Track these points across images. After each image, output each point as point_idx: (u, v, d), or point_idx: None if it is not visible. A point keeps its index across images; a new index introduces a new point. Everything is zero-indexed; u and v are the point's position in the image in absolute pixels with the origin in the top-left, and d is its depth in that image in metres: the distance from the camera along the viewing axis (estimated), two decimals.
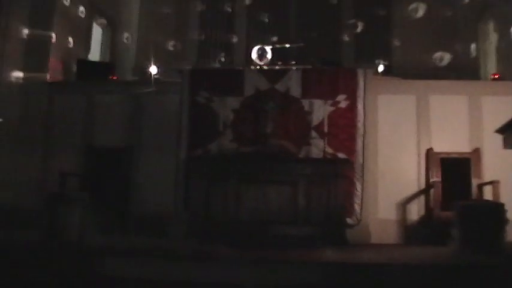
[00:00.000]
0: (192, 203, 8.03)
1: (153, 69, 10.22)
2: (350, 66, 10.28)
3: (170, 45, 12.13)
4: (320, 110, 8.52)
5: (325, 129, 8.42)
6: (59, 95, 9.40)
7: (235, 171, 7.92)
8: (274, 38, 11.24)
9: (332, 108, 8.52)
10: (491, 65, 10.58)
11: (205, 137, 8.59)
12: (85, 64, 10.08)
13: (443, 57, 10.95)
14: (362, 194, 8.30)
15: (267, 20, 12.29)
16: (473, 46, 11.10)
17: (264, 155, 8.16)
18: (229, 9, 12.62)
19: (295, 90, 8.62)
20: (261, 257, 6.15)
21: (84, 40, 10.84)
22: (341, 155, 8.37)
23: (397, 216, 8.47)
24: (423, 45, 11.11)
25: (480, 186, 8.20)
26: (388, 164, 8.52)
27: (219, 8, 12.57)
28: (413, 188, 8.53)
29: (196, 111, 8.71)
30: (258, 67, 9.16)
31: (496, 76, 9.41)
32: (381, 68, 10.60)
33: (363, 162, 8.38)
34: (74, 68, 9.93)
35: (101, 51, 11.83)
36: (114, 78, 9.99)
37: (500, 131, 6.54)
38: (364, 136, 8.46)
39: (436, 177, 8.36)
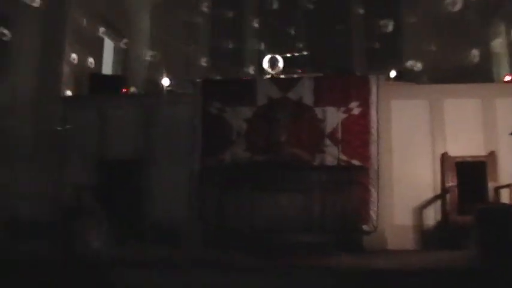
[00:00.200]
0: (205, 212, 8.05)
1: (165, 81, 10.27)
2: (362, 73, 10.25)
3: (182, 56, 12.17)
4: (333, 118, 8.49)
5: (339, 136, 8.40)
6: (72, 109, 9.44)
7: (249, 180, 7.94)
8: (286, 47, 11.24)
9: (345, 115, 8.50)
10: (503, 67, 10.51)
11: (218, 146, 8.59)
12: (97, 78, 10.12)
13: (455, 60, 10.89)
14: (377, 200, 8.24)
15: (278, 29, 12.32)
16: (484, 48, 11.03)
17: (278, 164, 8.16)
18: (240, 19, 12.67)
19: (308, 99, 8.60)
20: (276, 264, 6.13)
21: (97, 54, 10.90)
22: (355, 162, 8.34)
23: (413, 222, 8.41)
24: (434, 49, 11.05)
25: (497, 190, 8.13)
26: (403, 169, 8.46)
27: (230, 18, 12.62)
28: (429, 193, 8.47)
29: (209, 121, 8.72)
30: (270, 76, 9.16)
31: (510, 77, 9.33)
32: (392, 74, 10.54)
33: (378, 168, 8.33)
34: (87, 82, 9.97)
35: (113, 65, 11.89)
36: (127, 91, 10.01)
37: None
38: (378, 142, 8.41)
39: (451, 182, 8.31)
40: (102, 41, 11.26)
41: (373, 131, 8.46)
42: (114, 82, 10.17)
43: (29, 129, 9.16)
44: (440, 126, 8.62)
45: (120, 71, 11.88)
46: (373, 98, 8.55)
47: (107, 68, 11.52)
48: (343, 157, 8.36)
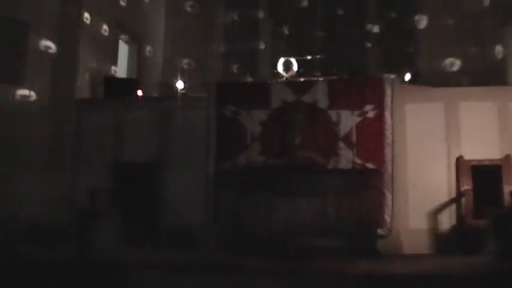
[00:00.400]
0: (221, 215, 8.05)
1: (180, 84, 10.30)
2: (376, 76, 10.22)
3: (196, 59, 12.21)
4: (348, 121, 8.46)
5: (354, 139, 8.38)
6: (87, 113, 9.49)
7: (264, 184, 7.93)
8: (300, 50, 11.24)
9: (360, 119, 8.47)
10: None
11: (233, 150, 8.60)
12: (112, 81, 10.17)
13: (469, 63, 10.86)
14: (392, 204, 8.21)
15: (292, 32, 12.32)
16: (499, 51, 10.98)
17: (292, 167, 8.15)
18: (254, 22, 12.69)
19: (322, 102, 8.57)
20: (292, 268, 6.13)
21: (111, 57, 10.96)
22: (370, 166, 8.30)
23: (429, 226, 8.34)
24: (449, 51, 11.02)
25: None
26: (418, 173, 8.40)
27: (244, 21, 12.65)
28: (444, 197, 8.40)
29: (223, 124, 8.72)
30: (284, 79, 9.17)
31: None
32: (407, 77, 10.52)
33: (392, 172, 8.28)
34: (102, 85, 10.03)
35: (128, 68, 11.94)
36: (141, 94, 10.06)
37: None
38: (392, 145, 8.38)
39: (467, 185, 8.25)
40: (117, 44, 11.30)
41: (388, 134, 8.41)
42: (129, 85, 10.21)
43: (45, 133, 9.21)
44: (455, 130, 8.55)
45: (135, 74, 11.93)
46: (388, 100, 8.50)
47: (122, 71, 11.57)
48: (358, 160, 8.34)
